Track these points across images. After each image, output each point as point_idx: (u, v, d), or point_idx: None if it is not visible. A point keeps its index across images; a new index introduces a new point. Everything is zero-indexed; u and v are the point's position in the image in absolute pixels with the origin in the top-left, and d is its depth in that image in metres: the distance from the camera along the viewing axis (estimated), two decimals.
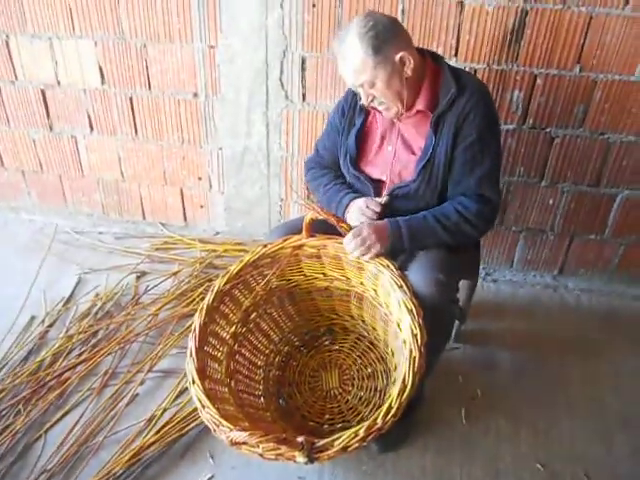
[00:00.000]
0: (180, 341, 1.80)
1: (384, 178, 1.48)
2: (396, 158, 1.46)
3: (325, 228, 1.47)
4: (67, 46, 1.98)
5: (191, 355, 1.35)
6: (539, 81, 1.77)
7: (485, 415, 1.62)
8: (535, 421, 1.61)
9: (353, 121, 1.51)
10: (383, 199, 1.45)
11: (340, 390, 1.62)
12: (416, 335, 1.27)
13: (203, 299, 1.93)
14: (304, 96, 1.93)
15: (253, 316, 1.61)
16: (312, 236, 1.50)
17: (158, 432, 1.52)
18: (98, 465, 1.46)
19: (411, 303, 1.33)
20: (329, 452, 1.11)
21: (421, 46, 1.45)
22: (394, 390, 1.21)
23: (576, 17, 1.66)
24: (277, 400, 1.61)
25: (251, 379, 1.59)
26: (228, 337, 1.53)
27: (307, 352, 1.72)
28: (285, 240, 1.52)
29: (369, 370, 1.67)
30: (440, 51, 1.76)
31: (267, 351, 1.66)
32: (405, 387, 1.21)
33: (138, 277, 2.09)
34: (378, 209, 1.43)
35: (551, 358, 1.81)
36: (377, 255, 1.38)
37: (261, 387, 1.60)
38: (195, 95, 2.00)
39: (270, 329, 1.67)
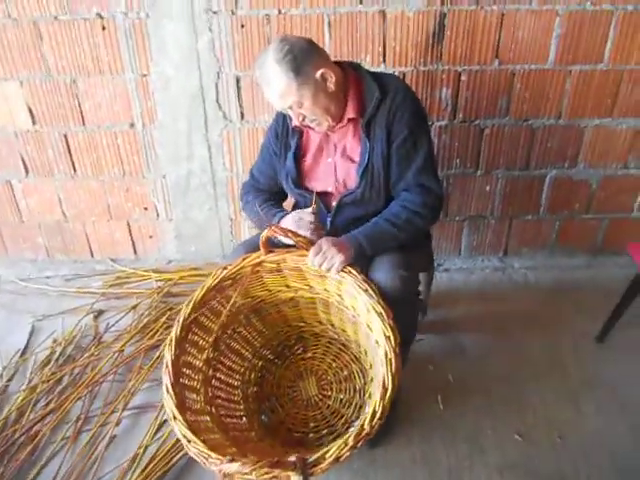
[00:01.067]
0: (150, 374, 1.77)
1: (330, 189, 1.53)
2: (337, 168, 1.50)
3: (279, 242, 1.49)
4: None
5: (168, 391, 1.32)
6: (463, 77, 1.89)
7: (460, 398, 1.69)
8: (507, 395, 1.69)
9: (288, 143, 1.54)
10: (312, 207, 1.48)
11: (320, 396, 1.64)
12: (389, 337, 1.29)
13: (167, 328, 1.93)
14: (242, 114, 1.96)
15: (223, 338, 1.60)
16: (270, 252, 1.50)
17: (143, 471, 1.48)
18: None
19: (379, 306, 1.35)
20: (322, 466, 1.13)
21: (341, 59, 1.53)
22: (376, 394, 1.23)
23: (489, 15, 1.78)
24: (259, 417, 1.61)
25: (230, 401, 1.57)
26: (201, 364, 1.51)
27: (281, 364, 1.73)
28: (244, 259, 1.51)
29: (345, 372, 1.70)
30: (368, 59, 1.85)
31: (242, 369, 1.66)
32: (386, 390, 1.23)
33: (95, 316, 2.03)
34: (311, 218, 1.46)
35: (511, 335, 1.91)
36: (342, 265, 1.38)
37: (242, 407, 1.59)
38: (132, 125, 1.98)
39: (241, 347, 1.67)
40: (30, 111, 1.96)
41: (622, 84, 1.89)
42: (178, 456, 1.52)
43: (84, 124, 1.98)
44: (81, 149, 2.03)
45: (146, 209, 2.16)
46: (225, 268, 1.51)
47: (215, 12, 1.78)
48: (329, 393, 1.65)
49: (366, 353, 1.65)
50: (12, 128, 2.00)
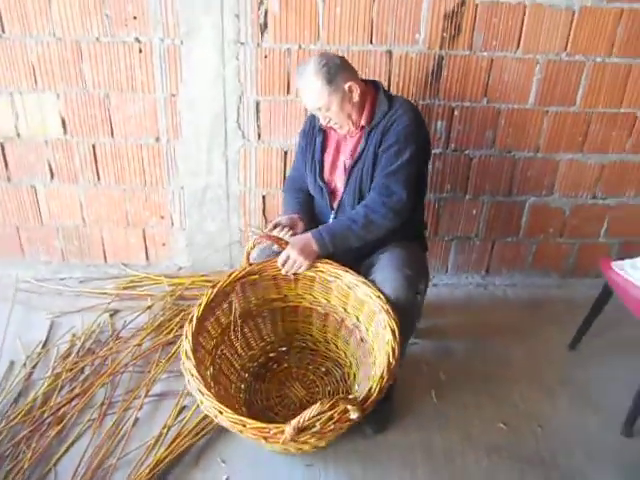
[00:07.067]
0: (169, 366, 1.91)
1: (339, 185, 1.78)
2: (348, 166, 1.76)
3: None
4: (28, 100, 2.07)
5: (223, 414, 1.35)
6: (456, 112, 2.15)
7: (451, 393, 1.89)
8: (492, 391, 1.90)
9: (314, 140, 1.81)
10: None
11: (309, 395, 1.80)
12: (393, 330, 1.52)
13: (182, 327, 2.07)
14: (259, 135, 2.17)
15: (216, 360, 1.70)
16: (251, 264, 1.71)
17: (169, 447, 1.62)
18: None
19: (386, 304, 1.58)
20: (372, 399, 1.35)
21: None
22: (390, 351, 1.47)
23: (481, 60, 2.06)
24: None
25: None
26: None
27: (263, 380, 1.84)
28: (230, 275, 1.68)
29: (323, 369, 1.90)
30: None
31: (232, 391, 1.74)
32: (394, 351, 1.47)
33: (111, 315, 2.16)
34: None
35: (493, 342, 2.13)
36: (307, 268, 1.68)
37: None
38: (157, 139, 2.16)
39: (227, 369, 1.75)
40: (63, 121, 2.12)
41: (591, 124, 2.18)
42: (199, 436, 1.66)
43: (112, 136, 2.15)
44: (107, 159, 2.19)
45: (162, 218, 2.32)
46: (214, 286, 1.65)
47: (242, 43, 2.00)
48: (317, 389, 1.83)
49: (337, 346, 1.89)
50: (43, 136, 2.15)
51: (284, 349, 1.94)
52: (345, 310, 1.77)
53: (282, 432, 1.27)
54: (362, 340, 1.74)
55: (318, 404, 1.24)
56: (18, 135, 2.15)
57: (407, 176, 1.67)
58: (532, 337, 2.16)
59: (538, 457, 1.69)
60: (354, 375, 1.82)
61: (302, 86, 1.65)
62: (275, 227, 1.71)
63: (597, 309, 1.98)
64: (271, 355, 1.92)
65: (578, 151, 2.24)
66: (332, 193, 1.80)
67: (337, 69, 1.62)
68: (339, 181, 1.78)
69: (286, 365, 1.90)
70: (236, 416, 1.31)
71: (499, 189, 2.30)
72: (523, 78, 2.10)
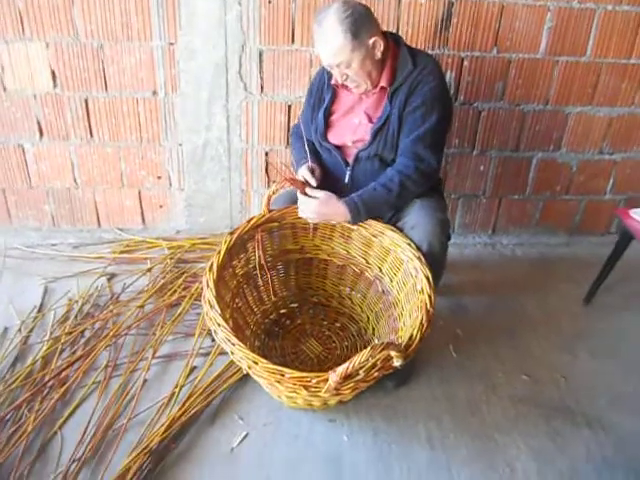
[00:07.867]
0: (174, 327, 1.82)
1: (349, 144, 1.66)
2: (360, 127, 1.63)
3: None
4: (15, 50, 1.94)
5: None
6: (466, 63, 2.08)
7: (469, 347, 1.84)
8: (512, 345, 1.86)
9: (322, 98, 1.68)
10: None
11: (326, 351, 1.73)
12: (428, 277, 1.46)
13: (185, 288, 1.98)
14: (262, 87, 2.07)
15: (233, 314, 1.62)
16: (271, 211, 1.63)
17: (182, 406, 1.52)
18: (128, 446, 1.43)
19: (417, 251, 1.52)
20: (413, 346, 1.28)
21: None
22: (426, 298, 1.40)
23: (491, 6, 1.99)
24: None
25: None
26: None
27: (276, 337, 1.77)
28: (249, 221, 1.61)
29: (338, 324, 1.82)
30: None
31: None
32: (430, 299, 1.40)
33: (109, 279, 2.04)
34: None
35: (508, 298, 2.09)
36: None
37: None
38: (154, 93, 2.05)
39: (244, 323, 1.69)
40: (53, 74, 1.99)
41: (601, 75, 2.14)
42: (214, 395, 1.58)
43: (106, 89, 2.03)
44: (100, 114, 2.07)
45: (159, 178, 2.21)
46: (233, 233, 1.57)
47: None
48: (333, 344, 1.75)
49: (351, 301, 1.82)
50: (31, 91, 2.01)
51: (295, 305, 1.86)
52: (366, 261, 1.69)
53: (325, 381, 1.18)
54: (383, 292, 1.67)
55: (369, 349, 1.15)
56: (4, 89, 2.01)
57: (436, 140, 1.60)
58: (545, 293, 2.12)
59: (563, 405, 1.64)
60: (372, 329, 1.75)
61: (321, 38, 1.46)
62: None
63: (614, 259, 1.95)
64: (282, 311, 1.84)
65: (587, 103, 2.20)
66: (341, 149, 1.69)
67: (363, 20, 1.45)
68: (349, 141, 1.65)
69: (299, 321, 1.82)
70: (273, 365, 1.22)
71: (507, 144, 2.25)
72: (534, 26, 2.04)
